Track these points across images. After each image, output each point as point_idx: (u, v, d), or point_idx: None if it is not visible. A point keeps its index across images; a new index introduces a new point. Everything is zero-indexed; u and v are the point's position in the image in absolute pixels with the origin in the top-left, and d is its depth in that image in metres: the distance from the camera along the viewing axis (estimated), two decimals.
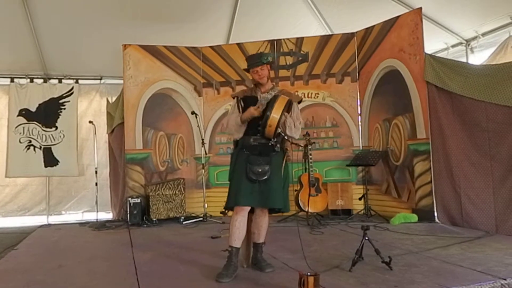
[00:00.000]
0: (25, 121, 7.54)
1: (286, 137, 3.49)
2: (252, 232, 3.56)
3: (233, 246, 3.38)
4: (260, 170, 3.36)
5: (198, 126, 6.72)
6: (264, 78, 3.57)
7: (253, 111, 3.44)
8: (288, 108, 3.49)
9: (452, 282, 2.99)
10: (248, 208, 3.45)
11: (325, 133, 7.01)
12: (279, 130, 3.43)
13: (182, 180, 6.65)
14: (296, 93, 5.44)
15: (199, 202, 6.80)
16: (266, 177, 3.36)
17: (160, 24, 7.16)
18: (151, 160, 6.96)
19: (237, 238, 3.39)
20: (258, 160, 3.39)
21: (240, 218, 3.39)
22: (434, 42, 6.73)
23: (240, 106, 3.62)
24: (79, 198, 7.88)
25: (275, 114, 3.33)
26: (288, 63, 7.14)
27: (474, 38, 6.41)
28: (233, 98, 3.77)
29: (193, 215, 6.61)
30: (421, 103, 5.78)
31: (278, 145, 3.46)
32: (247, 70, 3.65)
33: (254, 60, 3.60)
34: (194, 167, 7.17)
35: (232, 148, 3.69)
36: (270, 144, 3.43)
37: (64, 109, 7.73)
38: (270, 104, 3.37)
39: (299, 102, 3.72)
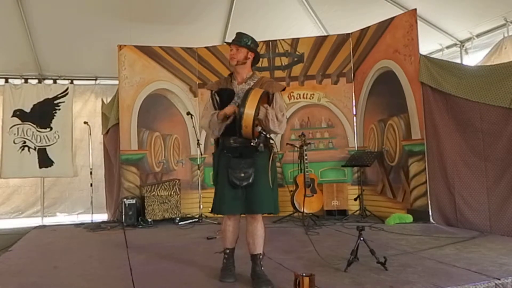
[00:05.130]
0: (19, 121, 7.51)
1: (268, 135, 3.14)
2: (247, 242, 3.25)
3: (229, 248, 3.35)
4: (242, 174, 3.09)
5: (193, 126, 6.71)
6: (234, 60, 3.22)
7: (225, 111, 3.11)
8: (269, 99, 3.17)
9: (446, 282, 2.99)
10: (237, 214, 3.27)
11: (321, 133, 7.02)
12: (259, 128, 3.10)
13: (177, 181, 6.64)
14: None
15: (194, 203, 6.79)
16: (250, 181, 3.09)
17: (155, 24, 7.15)
18: (147, 160, 6.94)
19: (232, 240, 3.33)
20: (239, 163, 3.11)
21: (232, 223, 3.29)
22: (429, 43, 6.76)
23: (215, 100, 3.28)
24: (73, 200, 7.85)
25: (248, 111, 2.93)
26: (283, 64, 7.15)
27: (468, 39, 6.45)
28: (208, 90, 3.40)
29: (188, 216, 6.60)
30: (416, 104, 5.80)
31: (262, 145, 3.13)
32: (229, 45, 3.31)
33: (235, 38, 3.28)
34: (190, 167, 7.15)
35: (214, 148, 3.39)
36: (251, 144, 3.10)
37: (59, 109, 7.70)
38: (242, 101, 3.01)
39: (282, 90, 3.34)
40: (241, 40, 3.24)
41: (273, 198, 3.22)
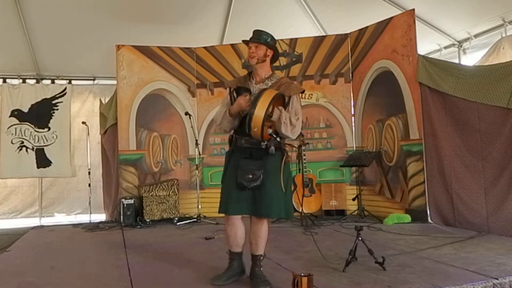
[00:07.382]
0: (17, 121, 7.48)
1: (279, 139, 3.03)
2: (250, 242, 3.20)
3: (231, 251, 3.26)
4: (250, 176, 3.00)
5: (192, 126, 6.70)
6: (254, 59, 3.13)
7: (241, 102, 3.02)
8: (285, 101, 3.09)
9: (445, 282, 3.00)
10: (239, 215, 3.19)
11: (319, 133, 7.03)
12: (269, 131, 3.01)
13: (175, 181, 6.63)
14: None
15: (193, 203, 6.78)
16: (257, 183, 3.01)
17: (153, 24, 7.14)
18: (145, 161, 6.94)
19: (233, 244, 3.22)
20: (249, 164, 3.04)
21: (231, 226, 3.20)
22: (427, 43, 6.77)
23: (233, 97, 3.20)
24: (71, 200, 7.84)
25: (258, 113, 2.87)
26: (282, 64, 7.15)
27: (466, 40, 6.45)
28: (226, 88, 3.35)
29: (187, 216, 6.59)
30: (414, 104, 5.81)
31: (273, 147, 3.03)
32: (247, 43, 3.21)
33: (253, 36, 3.17)
34: (188, 168, 7.15)
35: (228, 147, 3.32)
36: (262, 146, 3.04)
37: (57, 109, 7.68)
38: (253, 101, 2.94)
39: (302, 93, 3.24)
40: (260, 37, 3.14)
41: (285, 202, 3.14)
